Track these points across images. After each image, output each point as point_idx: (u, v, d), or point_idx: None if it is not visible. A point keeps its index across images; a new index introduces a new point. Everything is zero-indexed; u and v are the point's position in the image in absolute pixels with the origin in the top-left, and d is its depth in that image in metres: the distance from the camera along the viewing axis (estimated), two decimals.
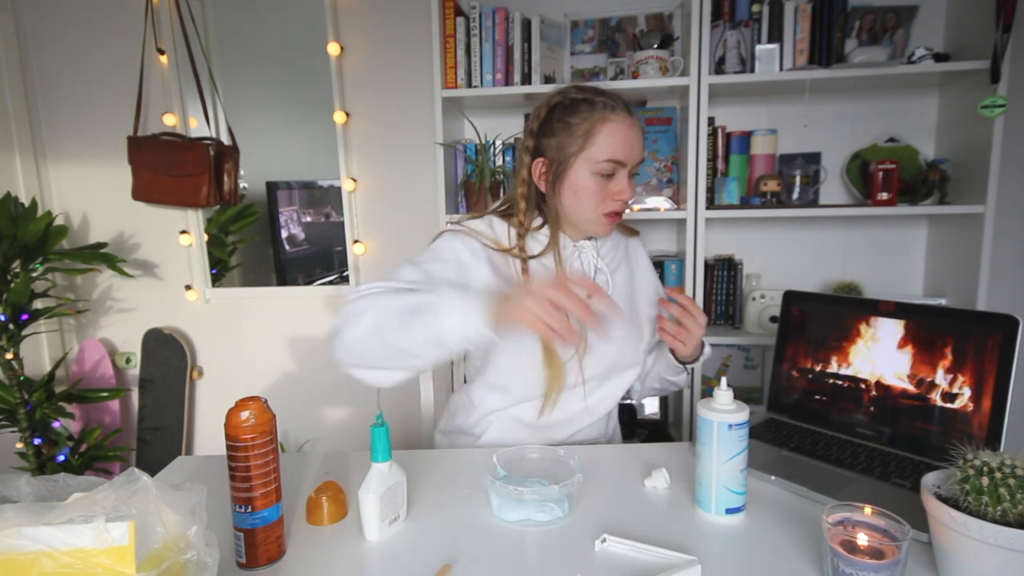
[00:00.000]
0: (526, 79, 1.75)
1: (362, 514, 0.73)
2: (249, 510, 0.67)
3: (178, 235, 2.12)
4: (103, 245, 2.05)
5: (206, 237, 2.16)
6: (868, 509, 0.62)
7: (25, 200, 2.01)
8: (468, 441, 1.08)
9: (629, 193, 0.97)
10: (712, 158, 1.80)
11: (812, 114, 1.82)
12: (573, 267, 1.02)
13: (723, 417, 0.73)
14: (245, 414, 0.67)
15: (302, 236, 2.25)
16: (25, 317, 1.87)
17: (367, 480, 0.72)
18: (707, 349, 1.10)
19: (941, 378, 0.87)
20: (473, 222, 1.02)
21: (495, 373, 1.02)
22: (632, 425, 1.92)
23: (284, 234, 2.23)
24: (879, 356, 0.95)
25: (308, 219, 2.24)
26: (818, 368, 1.02)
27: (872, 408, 0.95)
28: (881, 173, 1.66)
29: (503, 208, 1.05)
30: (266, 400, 0.69)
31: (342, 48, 1.98)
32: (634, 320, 1.07)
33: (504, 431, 1.04)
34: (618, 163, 0.95)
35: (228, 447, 0.67)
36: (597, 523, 0.76)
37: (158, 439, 2.16)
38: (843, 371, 0.99)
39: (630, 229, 1.16)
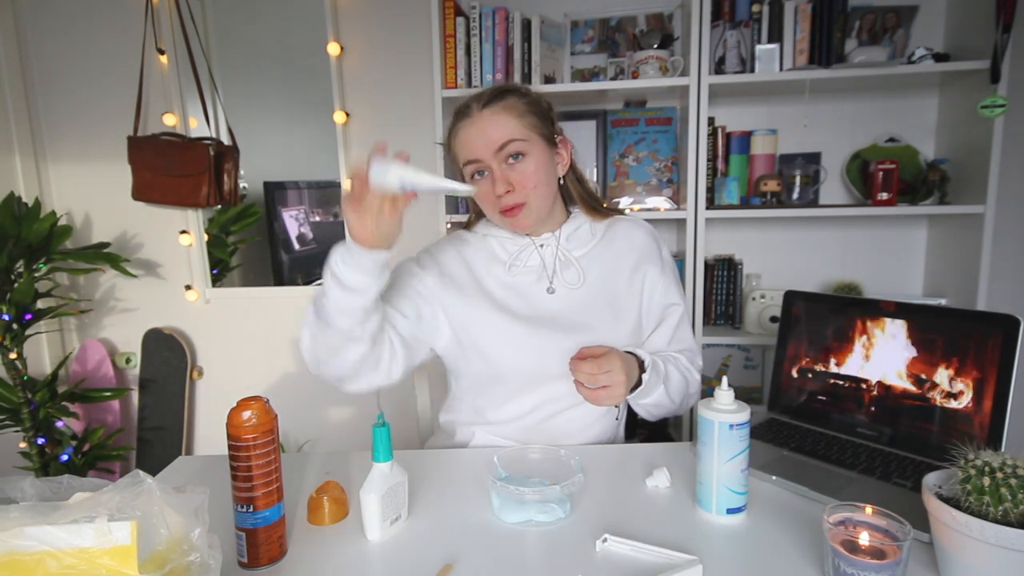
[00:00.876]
0: (526, 79, 1.75)
1: (363, 514, 0.73)
2: (251, 510, 0.67)
3: (178, 235, 2.12)
4: (106, 245, 2.05)
5: (206, 237, 2.16)
6: (869, 509, 0.62)
7: (27, 200, 2.01)
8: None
9: (502, 187, 0.96)
10: (712, 158, 1.80)
11: (812, 114, 1.82)
12: (528, 264, 1.05)
13: (724, 417, 0.73)
14: (247, 414, 0.67)
15: (311, 236, 2.25)
16: (28, 317, 1.87)
17: (368, 480, 0.73)
18: (644, 376, 0.95)
19: (942, 378, 0.87)
20: (440, 241, 1.11)
21: (487, 364, 1.00)
22: (632, 425, 1.92)
23: (293, 233, 2.23)
24: (880, 356, 0.95)
25: (317, 219, 2.24)
26: (819, 368, 1.02)
27: (873, 408, 0.95)
28: (881, 173, 1.67)
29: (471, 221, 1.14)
30: (267, 400, 0.69)
31: (342, 48, 1.98)
32: (612, 306, 1.03)
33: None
34: (475, 161, 0.97)
35: (230, 447, 0.67)
36: (598, 523, 0.76)
37: (158, 439, 2.16)
38: (844, 371, 0.99)
39: (611, 211, 1.12)
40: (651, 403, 1.00)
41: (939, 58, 1.62)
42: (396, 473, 0.75)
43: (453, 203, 1.85)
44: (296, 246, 2.25)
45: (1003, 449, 0.77)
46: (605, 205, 1.13)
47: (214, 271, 2.19)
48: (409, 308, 0.99)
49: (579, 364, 0.89)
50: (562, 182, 1.06)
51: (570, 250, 1.05)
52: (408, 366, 0.99)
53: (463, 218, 1.32)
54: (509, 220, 0.99)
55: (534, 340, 0.99)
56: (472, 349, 1.01)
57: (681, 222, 1.78)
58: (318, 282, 0.96)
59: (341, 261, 0.81)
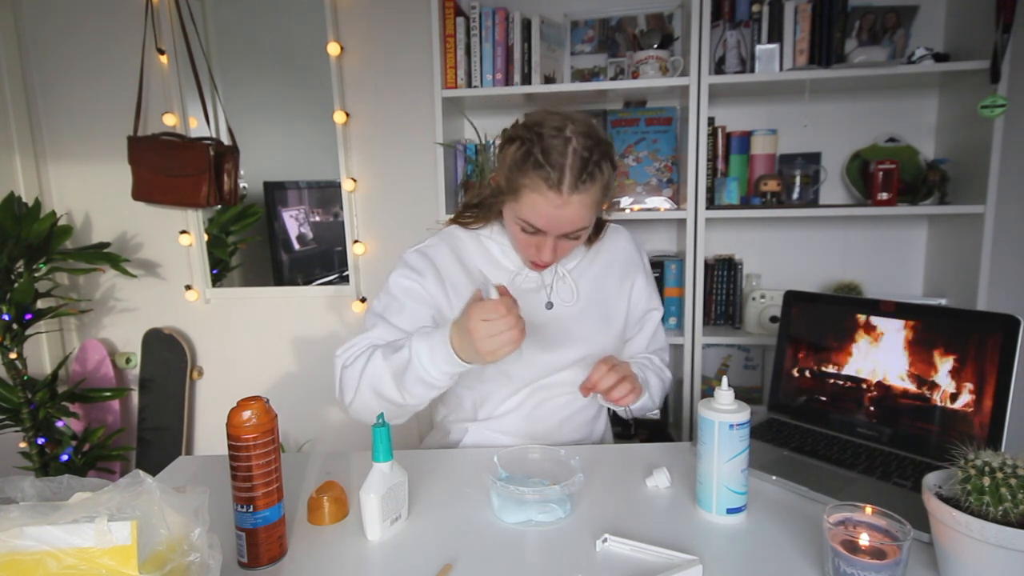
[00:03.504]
0: (526, 79, 1.75)
1: (363, 514, 0.73)
2: (251, 510, 0.67)
3: (178, 235, 2.12)
4: (106, 245, 2.05)
5: (206, 237, 2.16)
6: (869, 509, 0.62)
7: (27, 200, 2.01)
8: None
9: (550, 256, 0.93)
10: (712, 158, 1.80)
11: (812, 114, 1.82)
12: (530, 275, 1.04)
13: (724, 417, 0.73)
14: (247, 414, 0.67)
15: (311, 236, 2.25)
16: (28, 317, 1.87)
17: (368, 480, 0.73)
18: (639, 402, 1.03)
19: (942, 378, 0.87)
20: (430, 240, 1.06)
21: (482, 367, 1.01)
22: (632, 425, 1.92)
23: (293, 233, 2.23)
24: (880, 356, 0.95)
25: (317, 219, 2.24)
26: (819, 368, 1.02)
27: (873, 408, 0.95)
28: (881, 173, 1.66)
29: (472, 213, 1.07)
30: (267, 400, 0.69)
31: (342, 48, 1.98)
32: (603, 317, 1.07)
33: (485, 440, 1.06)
34: (537, 231, 0.92)
35: (230, 447, 0.67)
36: (598, 523, 0.76)
37: (158, 439, 2.16)
38: (844, 371, 0.99)
39: (601, 226, 1.12)
40: (637, 407, 1.05)
41: (939, 58, 1.62)
42: (396, 473, 0.75)
43: (453, 203, 1.85)
44: (296, 246, 2.25)
45: (1003, 449, 0.77)
46: (605, 228, 1.12)
47: (214, 271, 2.19)
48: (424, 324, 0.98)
49: (598, 378, 0.94)
50: None
51: (564, 263, 1.07)
52: None
53: None
54: (532, 268, 1.01)
55: (527, 348, 1.00)
56: None
57: (681, 222, 1.78)
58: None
59: (435, 365, 0.79)
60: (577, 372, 1.03)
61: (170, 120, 2.05)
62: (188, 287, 2.15)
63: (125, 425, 2.18)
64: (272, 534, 0.69)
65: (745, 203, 1.82)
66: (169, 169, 1.94)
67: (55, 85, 2.11)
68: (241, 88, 2.13)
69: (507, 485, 0.76)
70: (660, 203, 1.88)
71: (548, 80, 1.79)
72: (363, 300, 2.11)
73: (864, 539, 0.60)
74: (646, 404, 1.06)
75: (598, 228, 1.10)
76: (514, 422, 1.05)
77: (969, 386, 0.84)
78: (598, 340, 1.05)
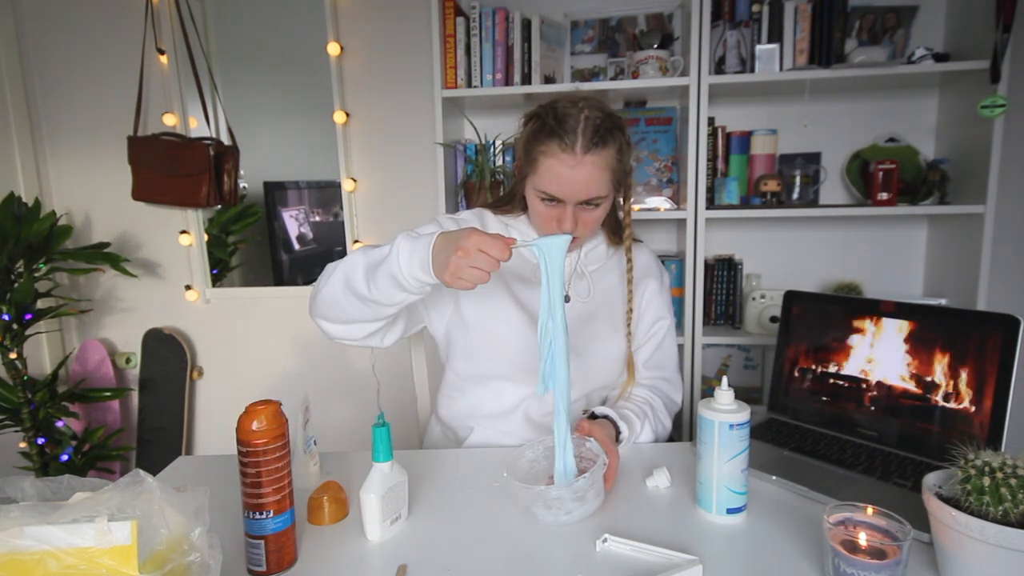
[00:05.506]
0: (526, 79, 1.75)
1: (363, 514, 0.73)
2: (270, 515, 0.66)
3: (178, 235, 2.12)
4: (106, 245, 2.05)
5: (206, 237, 2.16)
6: (869, 509, 0.62)
7: (27, 200, 2.01)
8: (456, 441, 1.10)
9: (571, 226, 0.94)
10: (712, 158, 1.80)
11: (812, 114, 1.82)
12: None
13: (724, 417, 0.73)
14: (259, 419, 0.65)
15: (311, 236, 2.25)
16: (28, 317, 1.87)
17: (368, 480, 0.73)
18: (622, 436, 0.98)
19: (941, 378, 0.87)
20: (463, 213, 1.10)
21: (489, 349, 1.03)
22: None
23: (293, 233, 2.23)
24: (880, 356, 0.95)
25: (317, 219, 2.24)
26: (819, 368, 1.02)
27: (873, 408, 0.95)
28: (881, 173, 1.66)
29: (501, 203, 1.11)
30: (280, 403, 0.68)
31: (342, 48, 1.98)
32: (613, 321, 1.08)
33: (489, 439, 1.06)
34: (555, 199, 0.94)
35: (246, 453, 0.65)
36: (598, 523, 0.76)
37: (158, 439, 2.16)
38: (844, 371, 0.99)
39: (627, 239, 1.10)
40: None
41: (939, 58, 1.61)
42: (396, 473, 0.75)
43: (453, 203, 1.85)
44: (296, 246, 2.25)
45: (1003, 449, 0.77)
46: (626, 233, 1.10)
47: (214, 271, 2.19)
48: None
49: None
50: None
51: (586, 264, 1.08)
52: (403, 335, 1.01)
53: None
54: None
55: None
56: (476, 330, 1.03)
57: (681, 222, 1.78)
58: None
59: (408, 266, 0.78)
60: (581, 368, 1.02)
61: (170, 120, 2.05)
62: (188, 287, 2.15)
63: (125, 425, 2.18)
64: (288, 539, 0.68)
65: (745, 203, 1.82)
66: (169, 169, 1.94)
67: (55, 85, 2.11)
68: (241, 88, 2.13)
69: (534, 487, 0.75)
70: (660, 203, 1.88)
71: (548, 80, 1.79)
72: None
73: (864, 539, 0.60)
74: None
75: (618, 229, 1.10)
76: (517, 421, 1.05)
77: (969, 386, 0.84)
78: (605, 342, 1.06)
